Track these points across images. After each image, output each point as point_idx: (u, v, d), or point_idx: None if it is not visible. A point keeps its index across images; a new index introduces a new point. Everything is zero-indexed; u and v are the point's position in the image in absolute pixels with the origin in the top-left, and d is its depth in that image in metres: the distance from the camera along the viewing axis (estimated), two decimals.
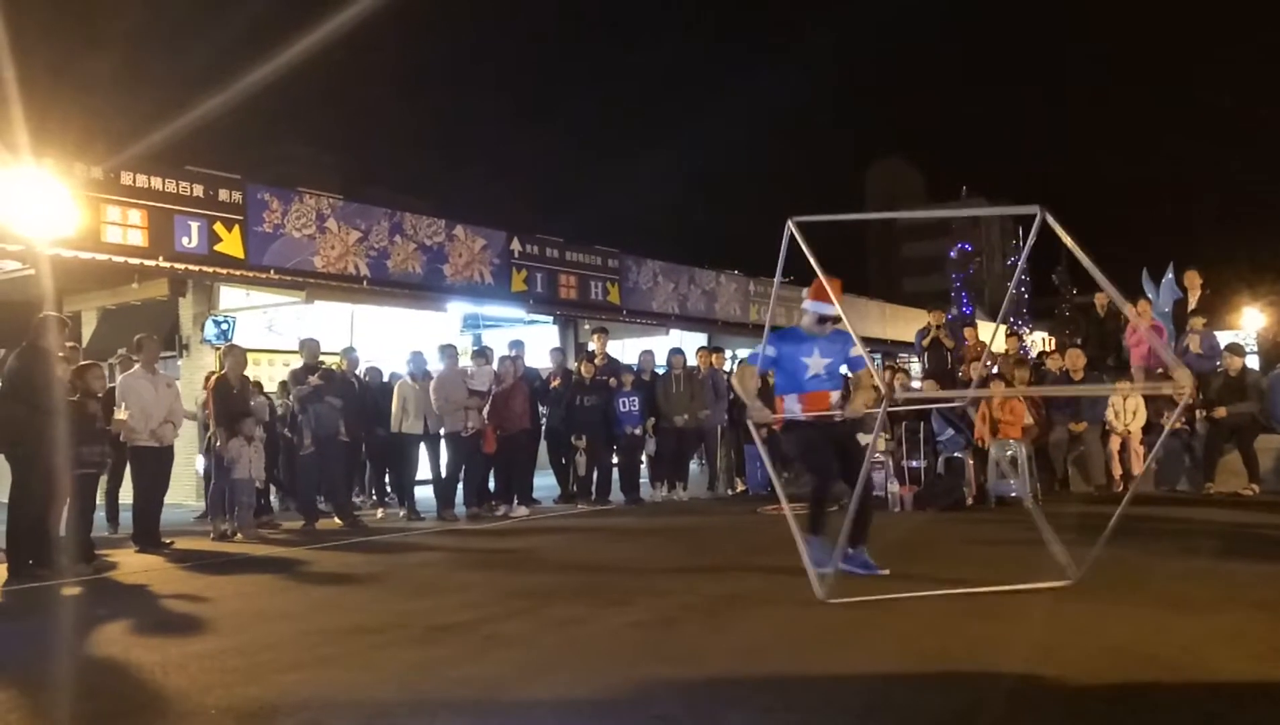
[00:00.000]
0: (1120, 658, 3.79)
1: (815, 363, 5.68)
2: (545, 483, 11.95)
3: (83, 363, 8.15)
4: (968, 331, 12.62)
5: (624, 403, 11.16)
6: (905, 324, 27.01)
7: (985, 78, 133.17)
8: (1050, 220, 5.04)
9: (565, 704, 3.45)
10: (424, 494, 10.58)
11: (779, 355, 5.78)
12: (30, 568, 6.95)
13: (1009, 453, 9.51)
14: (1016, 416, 9.78)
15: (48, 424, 6.93)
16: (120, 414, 8.00)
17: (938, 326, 12.14)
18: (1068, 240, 5.09)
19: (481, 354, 11.08)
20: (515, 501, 10.41)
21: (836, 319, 5.60)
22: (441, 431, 10.26)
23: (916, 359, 14.28)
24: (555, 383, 11.59)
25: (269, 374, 13.81)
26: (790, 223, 5.00)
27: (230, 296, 13.99)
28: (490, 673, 3.87)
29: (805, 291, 5.86)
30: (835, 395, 5.80)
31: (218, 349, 12.55)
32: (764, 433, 7.97)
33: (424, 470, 10.58)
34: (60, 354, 7.52)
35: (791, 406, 5.77)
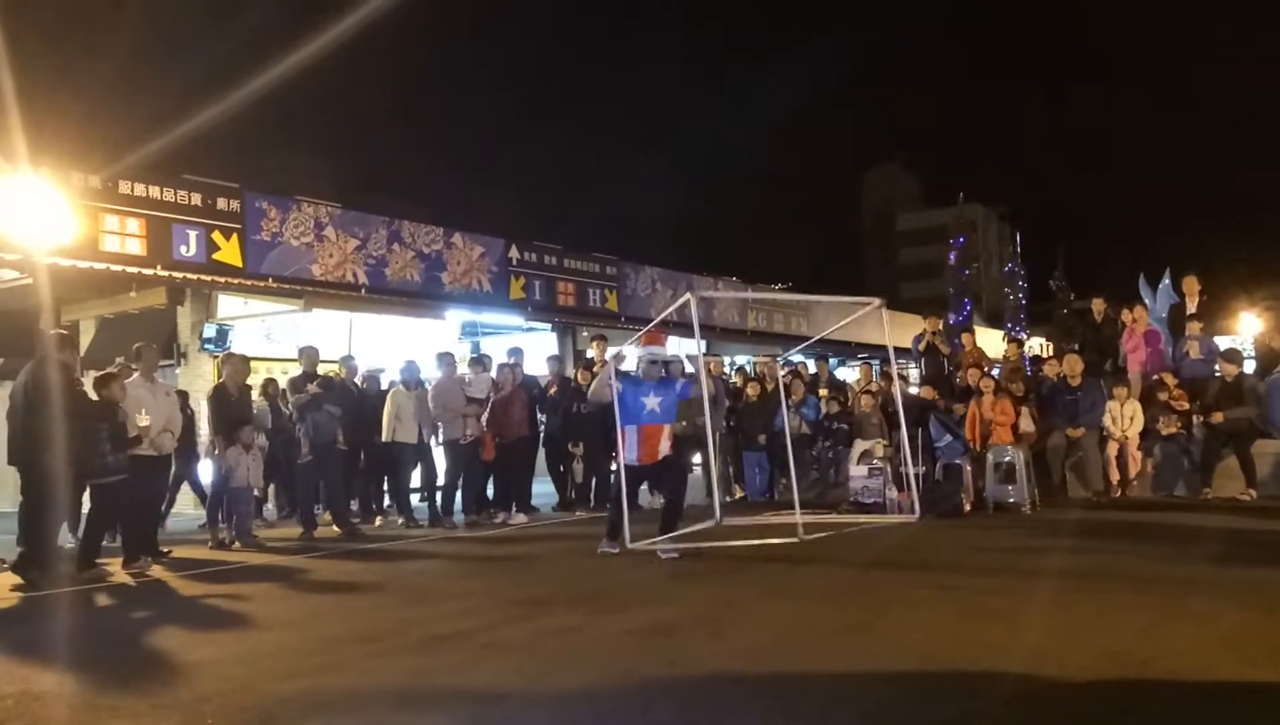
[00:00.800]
0: (1119, 662, 3.80)
1: (651, 402, 6.99)
2: (544, 490, 11.95)
3: (106, 372, 8.20)
4: (964, 337, 12.63)
5: None
6: (902, 330, 27.05)
7: (984, 80, 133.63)
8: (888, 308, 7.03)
9: (564, 711, 3.45)
10: (415, 503, 10.58)
11: (623, 392, 7.05)
12: (36, 575, 7.04)
13: (1006, 458, 9.52)
14: (1008, 416, 9.78)
15: (68, 435, 7.09)
16: (143, 420, 8.06)
17: (933, 332, 12.15)
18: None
19: (479, 361, 11.08)
20: (514, 508, 10.40)
21: (667, 362, 7.07)
22: (434, 439, 10.26)
23: (914, 365, 14.29)
24: (553, 390, 11.59)
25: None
26: (690, 296, 6.41)
27: (228, 305, 13.98)
28: (488, 680, 3.87)
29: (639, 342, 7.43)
30: (667, 429, 7.09)
31: (216, 357, 12.54)
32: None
33: (415, 479, 10.58)
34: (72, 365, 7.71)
35: (630, 440, 7.03)
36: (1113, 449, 10.15)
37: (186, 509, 12.33)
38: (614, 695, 3.61)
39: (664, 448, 7.13)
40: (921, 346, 12.20)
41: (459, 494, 10.30)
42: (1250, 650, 3.90)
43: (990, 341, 24.27)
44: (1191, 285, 12.02)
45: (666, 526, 6.96)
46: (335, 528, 9.59)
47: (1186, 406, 10.25)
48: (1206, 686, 3.47)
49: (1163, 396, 10.37)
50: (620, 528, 6.98)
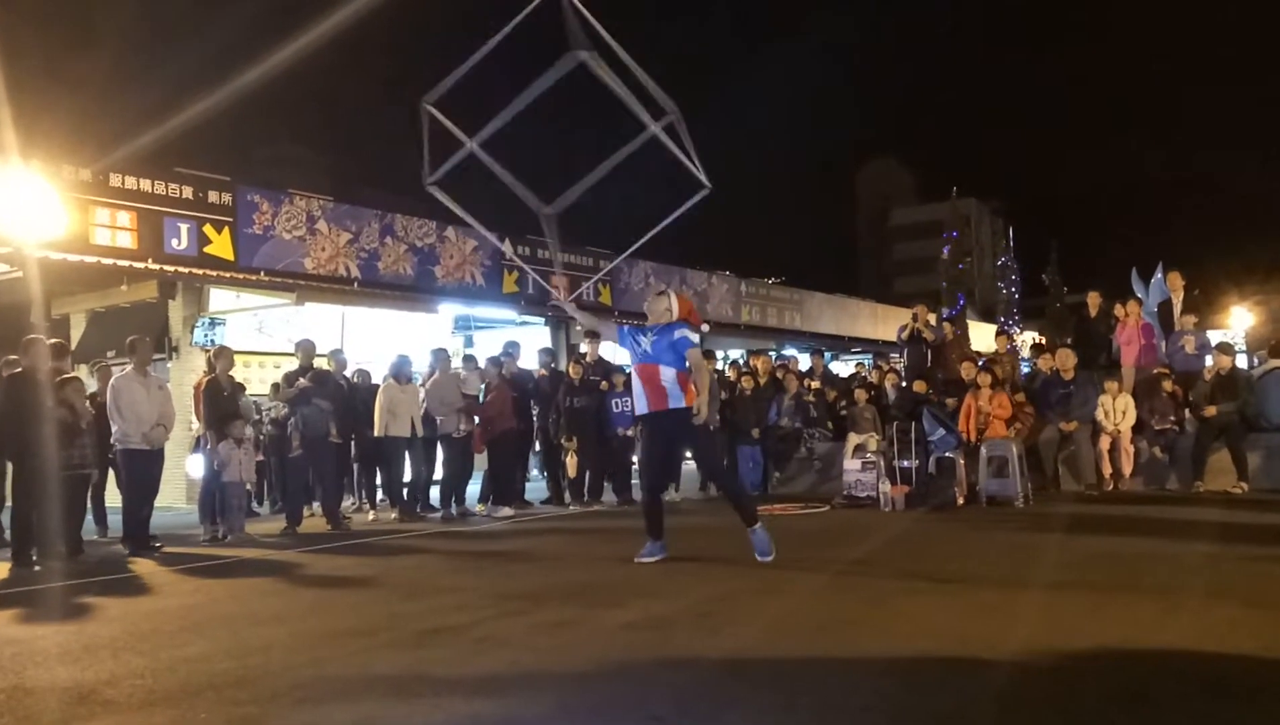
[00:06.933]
0: (1113, 655, 3.80)
1: (645, 341, 6.52)
2: (538, 484, 11.96)
3: (64, 377, 8.27)
4: (946, 326, 12.65)
5: (616, 403, 11.15)
6: (896, 325, 27.14)
7: (979, 75, 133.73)
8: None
9: (559, 706, 3.43)
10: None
11: (627, 336, 6.71)
12: (32, 559, 7.43)
13: (999, 452, 9.54)
14: (1005, 410, 9.81)
15: (39, 437, 7.52)
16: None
17: (915, 318, 12.09)
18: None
19: (470, 359, 11.14)
20: (498, 502, 10.42)
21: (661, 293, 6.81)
22: (419, 434, 10.30)
23: (899, 357, 14.32)
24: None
25: (259, 376, 13.76)
26: None
27: (220, 298, 13.95)
28: (483, 674, 3.86)
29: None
30: (662, 368, 6.40)
31: (207, 351, 12.51)
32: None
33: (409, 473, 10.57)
34: (51, 366, 8.11)
35: (636, 387, 6.60)
36: (1105, 443, 10.18)
37: (177, 503, 12.32)
38: (610, 689, 3.60)
39: (672, 393, 6.35)
40: (905, 334, 12.18)
41: (456, 487, 10.33)
42: (1245, 643, 3.90)
43: (983, 336, 24.27)
44: (1175, 281, 12.07)
45: (743, 512, 6.47)
46: (328, 524, 9.56)
47: (1180, 397, 10.31)
48: (1201, 679, 3.47)
49: (1168, 387, 10.40)
50: (660, 526, 6.52)
